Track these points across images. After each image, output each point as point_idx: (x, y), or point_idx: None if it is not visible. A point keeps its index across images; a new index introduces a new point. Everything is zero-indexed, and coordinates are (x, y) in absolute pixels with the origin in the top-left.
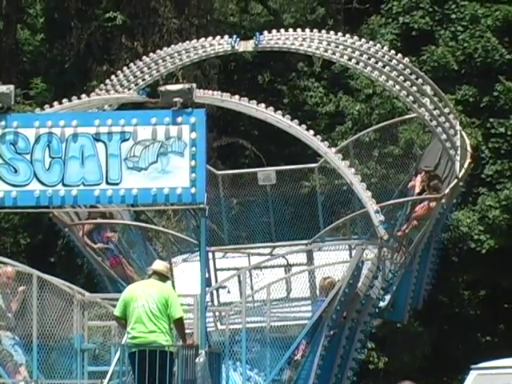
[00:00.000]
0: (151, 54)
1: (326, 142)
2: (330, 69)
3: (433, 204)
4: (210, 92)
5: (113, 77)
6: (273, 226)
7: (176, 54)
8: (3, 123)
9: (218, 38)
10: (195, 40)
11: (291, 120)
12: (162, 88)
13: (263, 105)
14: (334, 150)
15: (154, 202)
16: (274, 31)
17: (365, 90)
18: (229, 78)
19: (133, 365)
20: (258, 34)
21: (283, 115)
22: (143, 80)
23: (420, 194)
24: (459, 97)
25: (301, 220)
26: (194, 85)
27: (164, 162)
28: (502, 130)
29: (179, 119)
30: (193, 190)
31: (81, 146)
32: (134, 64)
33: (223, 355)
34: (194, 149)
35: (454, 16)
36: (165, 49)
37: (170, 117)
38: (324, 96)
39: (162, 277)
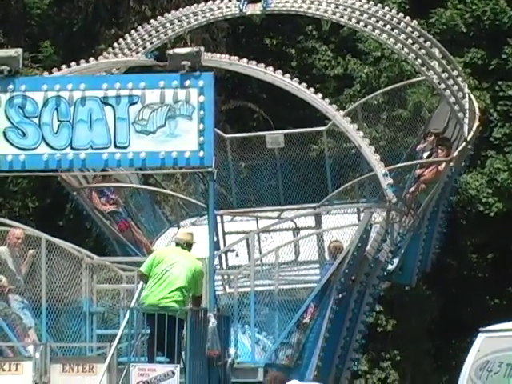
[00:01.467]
0: (159, 17)
1: (334, 105)
2: (339, 32)
3: (441, 167)
4: (219, 55)
5: (121, 40)
6: (281, 189)
7: (184, 18)
8: (11, 87)
9: (226, 0)
10: (203, 3)
11: (299, 83)
12: (170, 51)
13: (271, 68)
14: (342, 113)
15: (162, 166)
16: None
17: (373, 52)
18: (237, 41)
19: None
20: None
21: (291, 78)
22: (151, 43)
23: (428, 157)
24: (467, 60)
25: (309, 183)
26: (202, 48)
27: (172, 125)
28: (511, 92)
29: (187, 82)
30: (201, 154)
31: (89, 110)
32: (142, 27)
33: (232, 318)
34: (202, 112)
35: None
36: (173, 12)
37: (178, 80)
38: (332, 59)
39: (189, 246)
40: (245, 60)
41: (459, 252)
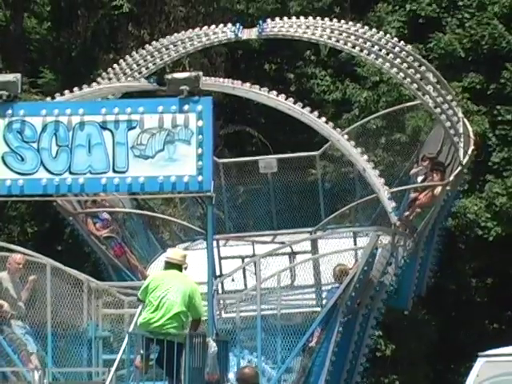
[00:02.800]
0: (154, 43)
1: (338, 129)
2: (337, 56)
3: (437, 191)
4: (221, 79)
5: (115, 65)
6: (274, 213)
7: (179, 43)
8: (10, 112)
9: (222, 26)
10: (198, 28)
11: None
12: (169, 76)
13: (275, 92)
14: (346, 137)
15: (160, 191)
16: (277, 19)
17: (371, 77)
18: (235, 66)
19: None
20: (261, 21)
21: (294, 102)
22: (147, 68)
23: (423, 181)
24: (466, 84)
25: (302, 208)
26: (201, 73)
27: (171, 150)
28: (509, 117)
29: (186, 107)
30: (200, 178)
31: (87, 135)
32: (137, 52)
33: (232, 343)
34: (200, 137)
35: (460, 3)
36: (168, 37)
37: (176, 105)
38: (331, 84)
39: (180, 266)
40: (247, 84)
41: (458, 276)
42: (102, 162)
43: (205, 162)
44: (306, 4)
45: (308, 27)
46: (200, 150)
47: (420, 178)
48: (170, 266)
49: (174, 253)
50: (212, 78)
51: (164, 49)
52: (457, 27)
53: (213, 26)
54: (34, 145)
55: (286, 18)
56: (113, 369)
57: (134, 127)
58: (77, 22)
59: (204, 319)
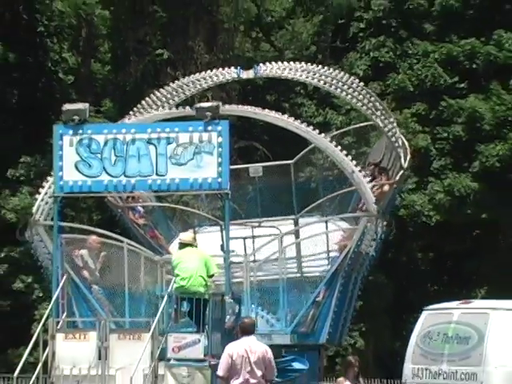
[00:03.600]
0: (176, 82)
1: (334, 142)
2: (319, 91)
3: (385, 188)
4: (246, 107)
5: (147, 98)
6: (259, 205)
7: (197, 81)
8: (81, 131)
9: (227, 68)
10: (210, 71)
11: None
12: (197, 105)
13: (286, 116)
14: (339, 147)
15: (190, 189)
16: (271, 63)
17: (345, 106)
18: (245, 97)
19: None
20: (256, 65)
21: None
22: (173, 100)
23: (370, 181)
24: (414, 111)
25: (279, 204)
26: (220, 103)
27: (198, 159)
28: (445, 135)
29: (209, 128)
30: (219, 180)
31: (137, 148)
32: (164, 89)
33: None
34: (220, 149)
35: (410, 51)
36: (186, 78)
37: (202, 126)
38: (315, 110)
39: (191, 244)
40: (267, 110)
41: (408, 251)
42: (148, 168)
43: (223, 168)
44: (297, 52)
45: (291, 70)
46: (220, 159)
47: (367, 179)
48: (183, 245)
49: (185, 235)
50: (239, 106)
51: (185, 85)
52: (407, 69)
53: (220, 69)
54: (98, 155)
55: (274, 63)
56: (156, 318)
57: (172, 142)
58: (130, 65)
59: (222, 283)
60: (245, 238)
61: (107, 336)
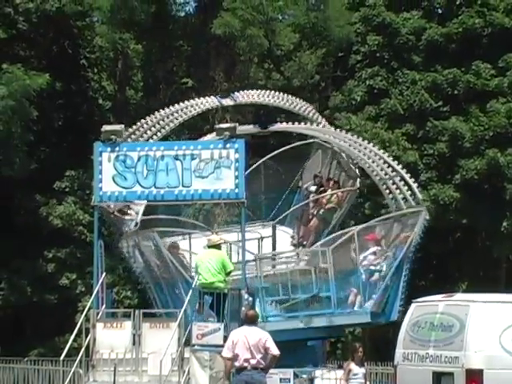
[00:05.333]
0: (166, 110)
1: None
2: (323, 113)
3: (341, 195)
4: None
5: (149, 121)
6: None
7: (185, 109)
8: (117, 148)
9: (207, 97)
10: (197, 99)
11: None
12: (217, 126)
13: (314, 125)
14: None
15: (212, 198)
16: (245, 91)
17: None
18: (259, 118)
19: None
20: (232, 93)
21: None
22: (168, 126)
23: (317, 190)
24: (404, 130)
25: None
26: (237, 124)
27: (218, 172)
28: (431, 151)
29: (228, 145)
30: (236, 190)
31: (166, 163)
32: (154, 116)
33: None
34: (237, 164)
35: (400, 80)
36: (176, 105)
37: (221, 144)
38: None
39: (217, 246)
40: (297, 124)
41: None
42: (175, 180)
43: (239, 181)
44: (304, 81)
45: (262, 95)
46: (236, 173)
47: (313, 188)
48: (209, 246)
49: (213, 238)
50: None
51: (178, 111)
52: (398, 95)
53: (206, 98)
54: (133, 169)
55: (250, 90)
56: (182, 309)
57: (195, 158)
58: (159, 92)
59: (237, 277)
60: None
61: (140, 324)
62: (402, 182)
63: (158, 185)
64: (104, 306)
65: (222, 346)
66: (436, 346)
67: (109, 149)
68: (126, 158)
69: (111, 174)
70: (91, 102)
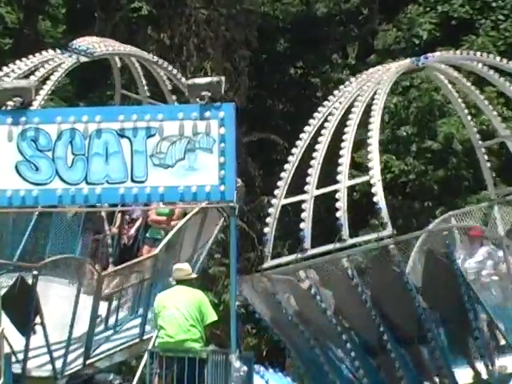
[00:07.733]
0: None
1: None
2: (365, 61)
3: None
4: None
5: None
6: None
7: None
8: (24, 119)
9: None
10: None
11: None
12: (190, 81)
13: None
14: None
15: (181, 201)
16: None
17: (402, 82)
18: (259, 69)
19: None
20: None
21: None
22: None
23: None
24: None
25: None
26: (223, 78)
27: (192, 158)
28: None
29: (207, 114)
30: (222, 188)
31: (105, 143)
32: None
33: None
34: (223, 145)
35: (494, 4)
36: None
37: (197, 111)
38: None
39: (187, 281)
40: None
41: None
42: (120, 171)
43: (227, 172)
44: (333, 6)
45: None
46: (222, 159)
47: None
48: (177, 281)
49: (182, 266)
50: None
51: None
52: (491, 29)
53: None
54: (49, 153)
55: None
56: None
57: (153, 135)
58: (93, 25)
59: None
60: None
61: None
62: None
63: (91, 179)
64: None
65: None
66: None
67: (9, 119)
68: (39, 133)
69: (13, 162)
70: None
